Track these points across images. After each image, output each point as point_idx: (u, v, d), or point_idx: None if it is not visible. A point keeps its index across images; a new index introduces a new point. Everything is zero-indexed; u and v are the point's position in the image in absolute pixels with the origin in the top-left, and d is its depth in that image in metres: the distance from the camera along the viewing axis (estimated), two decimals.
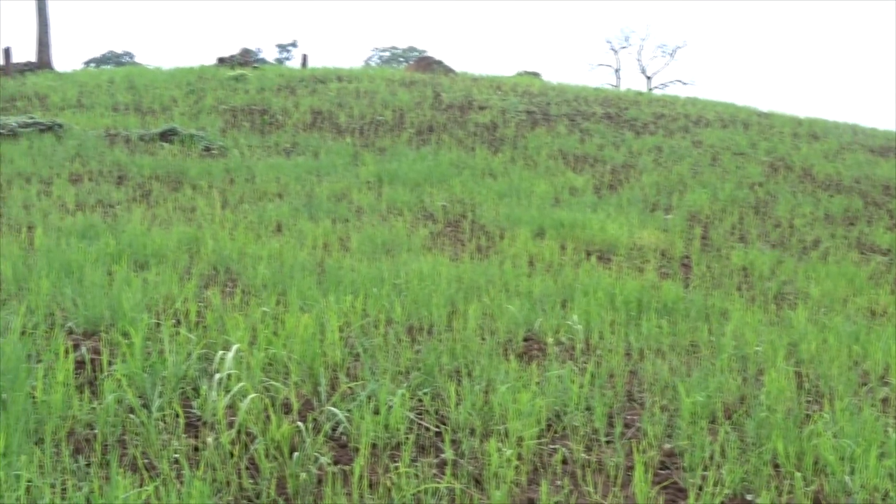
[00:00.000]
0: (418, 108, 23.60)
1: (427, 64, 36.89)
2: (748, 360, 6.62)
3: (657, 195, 15.62)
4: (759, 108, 31.32)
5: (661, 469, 4.68)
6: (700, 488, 4.35)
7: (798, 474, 4.59)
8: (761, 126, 26.68)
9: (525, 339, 6.74)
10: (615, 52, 72.36)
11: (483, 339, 6.50)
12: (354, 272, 8.15)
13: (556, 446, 4.81)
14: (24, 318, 5.94)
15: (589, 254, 10.58)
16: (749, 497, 4.41)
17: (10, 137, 16.88)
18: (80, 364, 5.31)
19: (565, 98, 28.27)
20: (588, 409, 5.27)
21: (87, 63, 73.65)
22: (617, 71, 69.29)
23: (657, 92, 48.22)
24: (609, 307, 7.75)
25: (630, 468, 4.53)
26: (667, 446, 4.95)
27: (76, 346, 5.59)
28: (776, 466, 4.74)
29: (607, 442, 4.94)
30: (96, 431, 4.52)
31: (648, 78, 67.43)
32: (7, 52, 34.24)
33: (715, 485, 4.32)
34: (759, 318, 8.26)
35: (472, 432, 4.87)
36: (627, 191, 15.69)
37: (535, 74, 41.50)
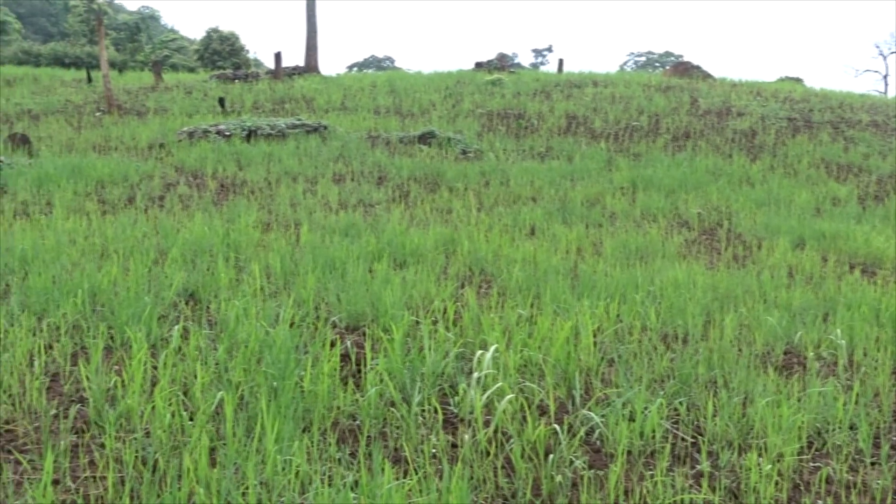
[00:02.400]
0: (674, 113, 23.26)
1: (684, 69, 36.26)
2: None
3: None
4: None
5: None
6: None
7: None
8: None
9: (784, 353, 6.54)
10: (884, 56, 68.86)
11: (740, 350, 6.35)
12: (608, 277, 8.11)
13: (818, 464, 4.65)
14: (293, 310, 6.23)
15: (852, 266, 10.15)
16: None
17: (280, 138, 17.72)
18: (344, 357, 5.52)
19: (829, 105, 27.19)
20: (852, 427, 5.08)
21: (351, 67, 76.48)
22: (885, 77, 65.92)
23: None
24: (874, 323, 7.41)
25: None
26: None
27: (341, 339, 5.81)
28: None
29: (872, 463, 4.74)
30: (359, 423, 4.69)
31: None
32: (278, 56, 36.01)
33: None
34: None
35: (729, 445, 4.77)
36: (894, 203, 14.95)
37: (797, 80, 40.15)
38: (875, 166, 18.36)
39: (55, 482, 3.84)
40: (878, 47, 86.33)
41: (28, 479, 3.88)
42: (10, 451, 4.19)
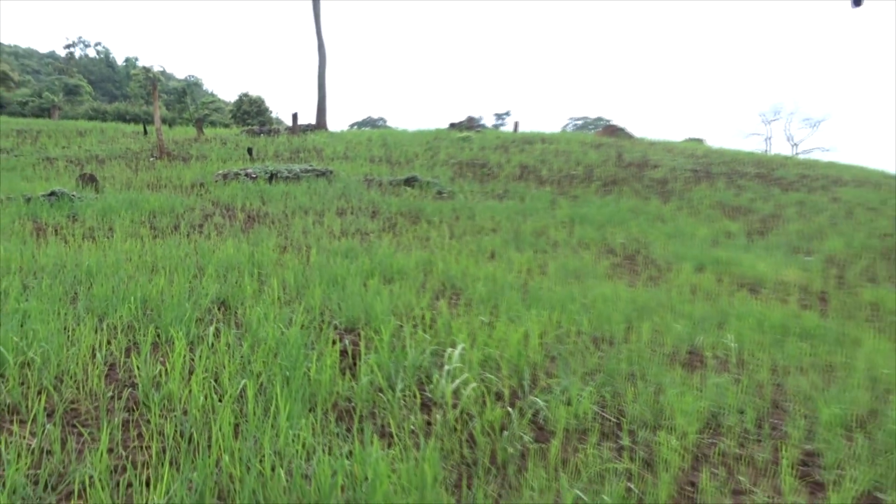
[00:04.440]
0: (604, 165, 23.38)
1: (612, 130, 36.52)
2: (878, 380, 6.24)
3: (799, 241, 14.94)
4: (889, 171, 29.61)
5: (802, 466, 4.46)
6: (836, 484, 4.13)
7: None
8: (890, 186, 25.15)
9: (688, 353, 6.56)
10: (766, 123, 69.58)
11: (654, 350, 6.39)
12: (551, 292, 8.12)
13: (714, 441, 4.67)
14: (303, 315, 6.20)
15: (741, 286, 10.22)
16: (880, 495, 4.14)
17: (295, 180, 17.69)
18: (342, 352, 5.51)
19: (724, 159, 27.46)
20: (741, 412, 5.12)
21: (352, 125, 76.48)
22: (767, 139, 66.57)
23: (801, 157, 46.04)
24: (758, 330, 7.48)
25: (776, 463, 4.37)
26: (807, 447, 4.72)
27: (340, 339, 5.80)
28: None
29: (757, 440, 4.75)
30: (354, 405, 4.66)
31: (794, 145, 64.42)
32: (294, 116, 36.05)
33: (850, 483, 4.09)
34: (888, 346, 7.77)
35: (645, 425, 4.77)
36: (774, 236, 15.09)
37: (700, 140, 40.47)
38: (759, 208, 18.49)
39: (109, 450, 3.79)
40: (762, 115, 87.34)
41: (88, 447, 3.83)
42: (74, 426, 4.13)
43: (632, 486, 3.89)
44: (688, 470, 4.26)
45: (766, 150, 54.73)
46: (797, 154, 54.49)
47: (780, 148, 62.84)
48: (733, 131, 75.32)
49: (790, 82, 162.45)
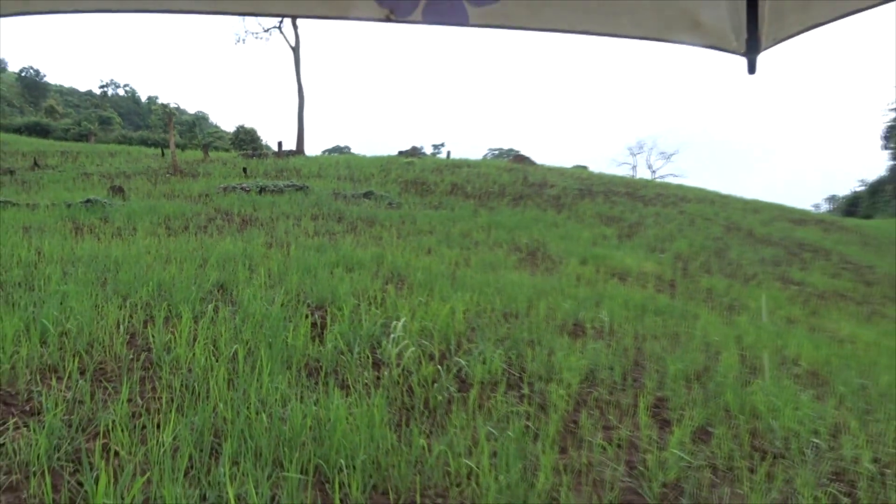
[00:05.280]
0: (514, 184, 23.51)
1: (520, 158, 36.74)
2: (710, 345, 6.42)
3: (656, 242, 15.25)
4: (721, 192, 30.42)
5: (655, 408, 4.55)
6: (679, 421, 4.22)
7: (741, 417, 4.42)
8: (722, 203, 25.87)
9: (573, 324, 6.64)
10: (633, 154, 70.71)
11: (548, 322, 6.44)
12: (473, 279, 8.14)
13: (591, 390, 4.73)
14: (283, 296, 6.11)
15: (613, 275, 10.39)
16: (710, 429, 4.25)
17: (279, 193, 17.40)
18: (313, 324, 5.42)
19: (602, 182, 27.85)
20: (611, 368, 5.18)
21: (324, 151, 75.37)
22: (633, 167, 67.49)
23: (658, 181, 46.96)
24: (625, 307, 7.60)
25: (636, 406, 4.43)
26: (658, 394, 4.82)
27: (311, 314, 5.72)
28: (727, 411, 4.56)
29: (622, 389, 4.83)
30: (321, 364, 4.60)
31: (653, 172, 65.52)
32: (280, 143, 35.47)
33: (689, 420, 4.19)
34: (718, 319, 7.99)
35: (540, 378, 4.81)
36: (637, 239, 15.38)
37: (584, 167, 41.01)
38: (627, 217, 18.80)
39: (129, 400, 3.68)
40: (629, 148, 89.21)
41: (111, 398, 3.72)
42: (101, 381, 4.01)
43: (529, 424, 3.92)
44: (571, 412, 4.31)
45: (633, 175, 55.68)
46: (655, 179, 55.52)
47: (643, 174, 63.81)
48: (608, 160, 76.25)
49: (653, 122, 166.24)
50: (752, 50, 1.60)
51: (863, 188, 58.25)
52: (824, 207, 66.23)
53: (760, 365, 5.96)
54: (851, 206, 56.20)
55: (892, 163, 50.61)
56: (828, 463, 3.83)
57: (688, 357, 5.67)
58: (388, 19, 1.53)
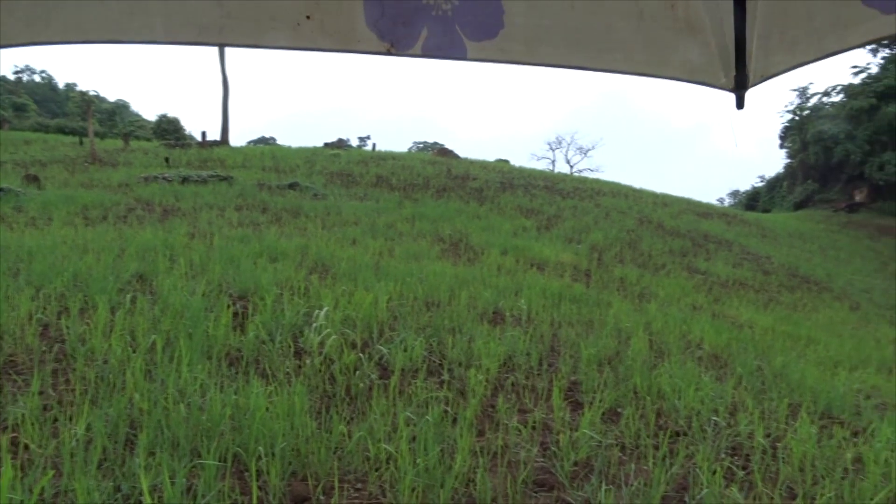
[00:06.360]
0: (438, 177, 23.57)
1: (444, 152, 36.87)
2: (622, 331, 6.60)
3: (573, 233, 15.60)
4: (634, 186, 31.39)
5: (568, 391, 4.66)
6: (591, 403, 4.33)
7: (648, 398, 4.57)
8: (635, 197, 26.67)
9: (493, 312, 6.72)
10: (552, 149, 71.75)
11: (469, 311, 6.48)
12: (396, 269, 8.11)
13: (509, 375, 4.79)
14: (205, 286, 5.94)
15: (532, 265, 10.56)
16: (619, 410, 4.39)
17: (202, 183, 16.87)
18: (235, 314, 5.29)
19: (523, 175, 28.27)
20: (528, 354, 5.26)
21: (249, 142, 73.37)
22: (553, 161, 68.58)
23: (576, 175, 48.00)
24: (542, 296, 7.73)
25: (550, 390, 4.52)
26: (572, 378, 4.93)
27: (234, 304, 5.58)
28: (636, 393, 4.71)
29: (538, 374, 4.92)
30: (243, 353, 4.50)
31: (571, 166, 66.81)
32: (203, 133, 34.46)
33: (600, 402, 4.30)
34: (629, 307, 8.23)
35: (460, 364, 4.85)
36: (555, 230, 15.67)
37: (506, 160, 41.58)
38: (546, 210, 19.14)
39: (40, 392, 3.51)
40: (549, 143, 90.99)
41: (21, 391, 3.53)
42: (10, 374, 3.80)
43: (448, 409, 3.95)
44: (490, 396, 4.37)
45: (552, 170, 56.66)
46: (573, 173, 56.70)
47: (562, 168, 64.99)
48: (529, 155, 77.10)
49: (572, 117, 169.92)
50: (739, 86, 1.66)
51: (762, 184, 61.21)
52: (728, 202, 69.23)
53: (667, 349, 6.20)
54: (752, 200, 59.03)
55: (787, 161, 53.36)
56: (725, 439, 4.02)
57: (600, 342, 5.81)
58: (388, 53, 1.56)
